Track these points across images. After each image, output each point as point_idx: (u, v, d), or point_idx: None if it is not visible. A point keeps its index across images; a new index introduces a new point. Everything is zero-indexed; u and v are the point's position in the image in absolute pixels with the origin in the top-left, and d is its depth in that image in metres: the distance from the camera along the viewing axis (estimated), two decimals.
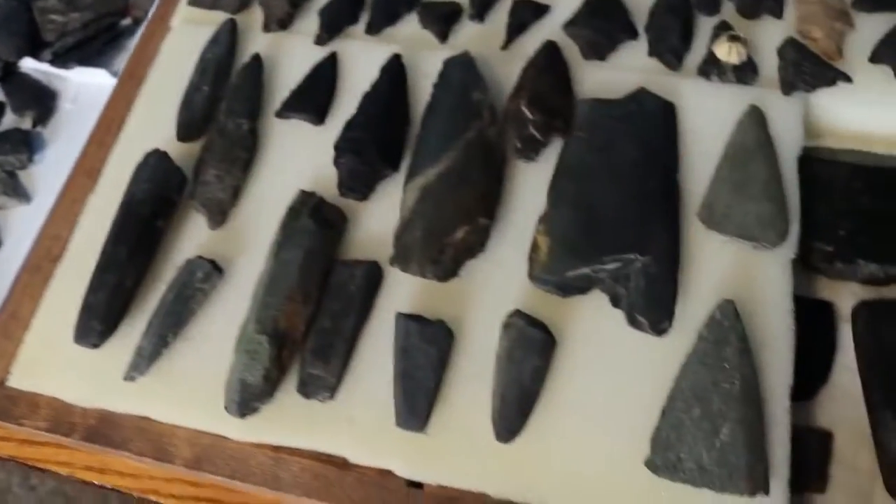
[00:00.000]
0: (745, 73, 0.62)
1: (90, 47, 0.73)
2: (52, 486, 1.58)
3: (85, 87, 0.72)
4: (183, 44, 0.67)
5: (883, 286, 0.60)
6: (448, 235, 0.54)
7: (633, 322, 0.52)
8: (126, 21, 0.75)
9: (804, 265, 0.60)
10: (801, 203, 0.60)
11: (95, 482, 0.59)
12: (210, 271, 0.56)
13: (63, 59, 0.72)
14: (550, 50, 0.62)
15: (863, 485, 0.53)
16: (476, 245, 0.55)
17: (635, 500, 0.49)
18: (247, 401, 0.52)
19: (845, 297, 0.59)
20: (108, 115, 0.65)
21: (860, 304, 0.58)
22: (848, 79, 0.62)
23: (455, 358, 0.53)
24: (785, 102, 0.61)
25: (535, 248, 0.55)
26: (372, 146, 0.59)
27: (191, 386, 0.54)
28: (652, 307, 0.52)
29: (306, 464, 0.52)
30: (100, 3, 0.74)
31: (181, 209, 0.60)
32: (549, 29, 0.65)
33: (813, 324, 0.58)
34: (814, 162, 0.62)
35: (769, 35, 0.64)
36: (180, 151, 0.62)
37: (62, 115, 0.72)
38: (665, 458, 0.48)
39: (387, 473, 0.51)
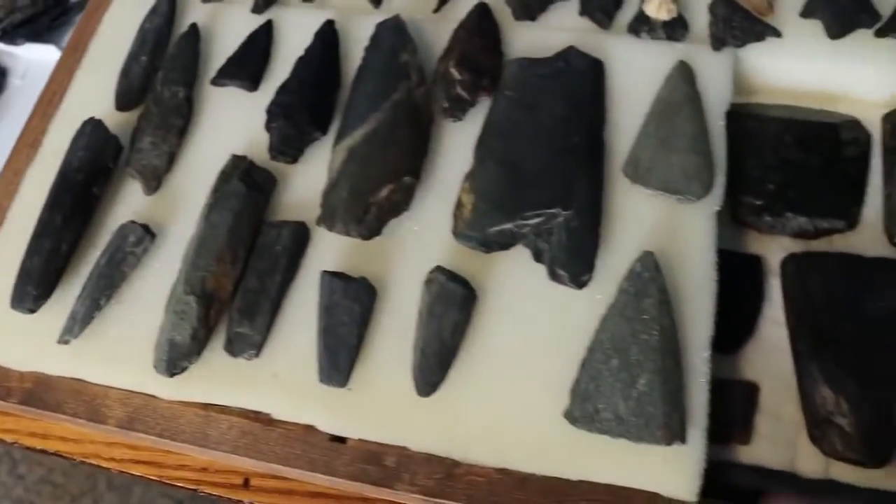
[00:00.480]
0: (675, 29, 0.62)
1: (39, 23, 0.74)
2: (40, 474, 1.60)
3: (34, 63, 0.73)
4: (124, 15, 0.68)
5: (813, 239, 0.60)
6: (373, 194, 0.55)
7: (553, 276, 0.53)
8: None
9: (734, 220, 0.61)
10: (731, 159, 0.60)
11: (38, 447, 0.59)
12: (142, 235, 0.57)
13: (11, 35, 0.74)
14: (481, 11, 0.63)
15: (787, 435, 0.53)
16: (401, 203, 0.56)
17: (555, 452, 0.49)
18: (174, 360, 0.53)
19: (775, 251, 0.60)
20: (51, 87, 0.66)
21: (788, 256, 0.58)
22: (778, 33, 0.62)
23: (378, 315, 0.54)
24: (714, 58, 0.61)
25: (459, 205, 0.56)
26: (302, 110, 0.59)
27: (123, 348, 0.55)
28: (572, 260, 0.52)
29: (234, 421, 0.53)
30: None
31: (117, 176, 0.61)
32: None
33: (742, 278, 0.58)
34: (746, 118, 0.63)
35: None
36: (119, 120, 0.63)
37: (11, 91, 0.73)
38: (583, 409, 0.49)
39: (310, 428, 0.52)
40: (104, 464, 0.60)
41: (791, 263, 0.58)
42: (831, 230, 0.59)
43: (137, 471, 0.59)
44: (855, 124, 0.62)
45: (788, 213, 0.59)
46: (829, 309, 0.55)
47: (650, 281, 0.51)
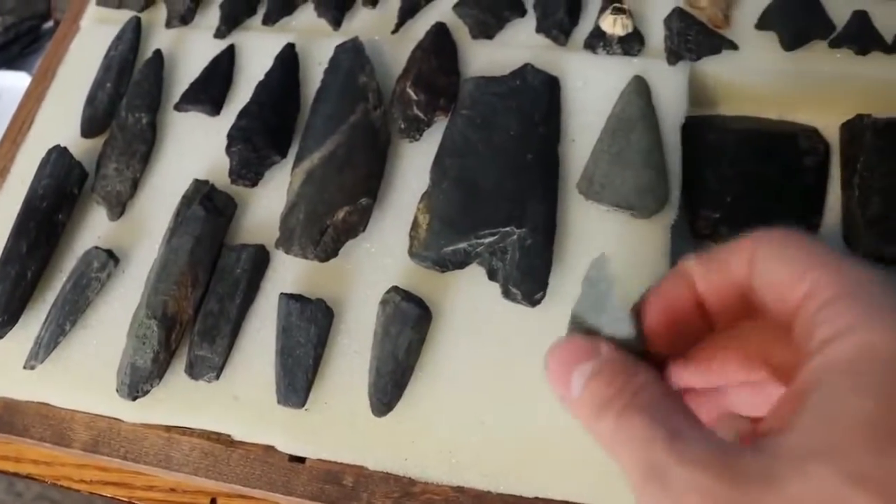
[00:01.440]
0: (631, 44, 0.62)
1: (10, 51, 0.75)
2: (38, 491, 1.61)
3: (6, 90, 0.75)
4: (90, 43, 0.69)
5: None
6: (329, 217, 0.56)
7: (507, 294, 0.53)
8: (48, 24, 0.77)
9: (694, 234, 0.61)
10: (690, 172, 0.60)
11: (10, 471, 0.60)
12: (106, 261, 0.58)
13: None
14: (438, 31, 0.64)
15: None
16: (357, 225, 0.56)
17: (511, 469, 0.50)
18: (136, 384, 0.54)
19: None
20: (20, 114, 0.67)
21: None
22: (734, 46, 0.62)
23: (335, 335, 0.54)
24: (669, 71, 0.61)
25: (415, 225, 0.56)
26: (261, 134, 0.60)
27: (87, 372, 0.56)
28: (526, 279, 0.53)
29: (195, 443, 0.54)
30: (22, 7, 0.76)
31: (82, 202, 0.62)
32: (439, 11, 0.66)
33: None
34: (705, 130, 0.63)
35: (657, 6, 0.64)
36: (85, 147, 0.64)
37: None
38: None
39: (270, 449, 0.53)
40: (75, 486, 0.60)
41: None
42: None
43: (107, 492, 0.59)
44: (813, 134, 0.63)
45: (746, 225, 0.59)
46: None
47: (606, 293, 0.51)
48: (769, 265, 0.27)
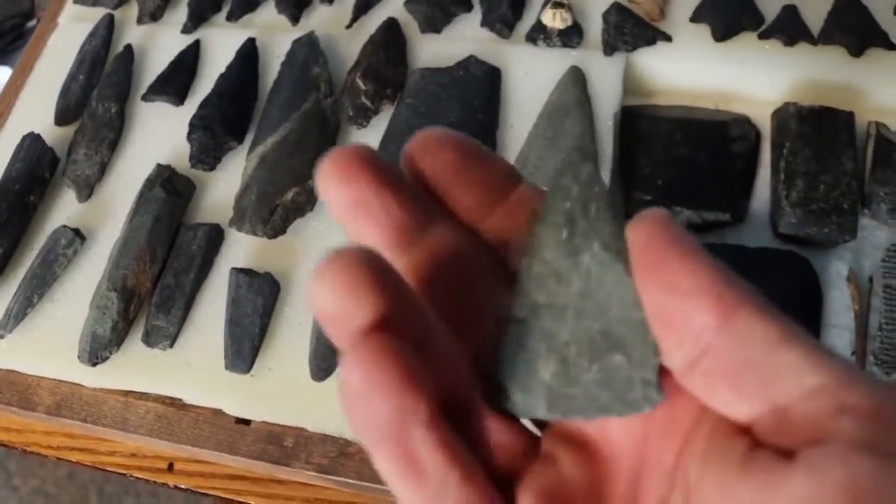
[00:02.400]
0: (570, 37, 0.66)
1: None
2: (34, 485, 1.66)
3: None
4: (66, 38, 0.73)
5: (705, 232, 0.63)
6: (279, 197, 0.59)
7: None
8: (32, 22, 0.82)
9: (628, 216, 0.64)
10: (625, 158, 0.64)
11: None
12: (72, 238, 0.62)
13: None
14: (389, 26, 0.67)
15: None
16: (305, 205, 0.60)
17: None
18: (96, 350, 0.57)
19: None
20: (0, 104, 0.72)
21: None
22: (668, 38, 0.66)
23: (280, 306, 0.58)
24: (606, 62, 0.65)
25: None
26: (220, 122, 0.64)
27: (52, 341, 0.60)
28: None
29: (150, 406, 0.58)
30: (6, 6, 0.81)
31: (54, 185, 0.66)
32: (391, 7, 0.70)
33: None
34: (641, 118, 0.66)
35: (597, 2, 0.68)
36: (58, 135, 0.68)
37: None
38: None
39: (219, 412, 0.57)
40: (43, 451, 0.64)
41: None
42: (718, 223, 0.62)
43: (73, 457, 0.63)
44: (744, 122, 0.66)
45: (675, 207, 0.62)
46: None
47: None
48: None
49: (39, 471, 1.59)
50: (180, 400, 0.57)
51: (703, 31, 0.66)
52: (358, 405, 0.18)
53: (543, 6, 0.67)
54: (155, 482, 0.62)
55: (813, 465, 0.17)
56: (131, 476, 0.62)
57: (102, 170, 0.65)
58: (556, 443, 0.22)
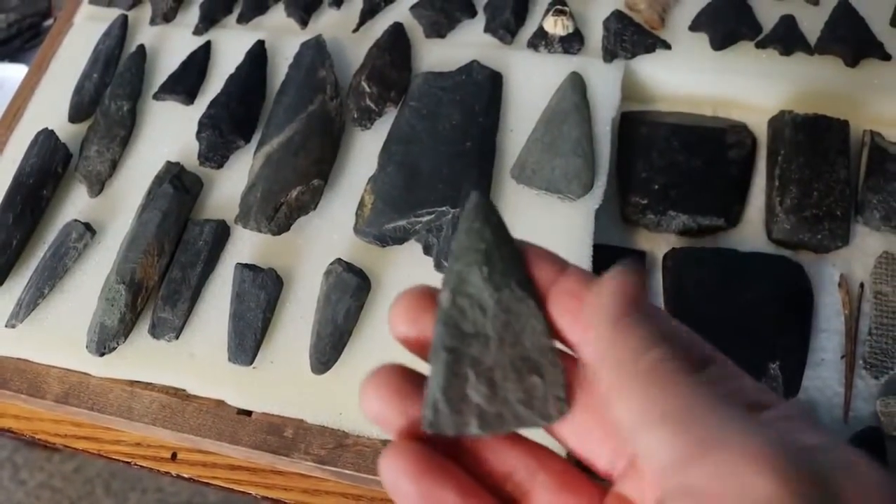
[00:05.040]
0: (571, 43, 0.67)
1: (12, 45, 0.82)
2: (41, 479, 1.68)
3: (7, 81, 0.81)
4: (81, 37, 0.75)
5: (698, 236, 0.64)
6: (283, 195, 0.61)
7: (438, 267, 0.58)
8: (48, 21, 0.84)
9: (623, 219, 0.66)
10: (623, 162, 0.65)
11: None
12: (83, 232, 0.64)
13: None
14: (395, 30, 0.69)
15: None
16: (309, 203, 0.62)
17: None
18: (104, 341, 0.59)
19: (663, 247, 0.64)
20: (16, 102, 0.74)
21: (669, 251, 0.63)
22: (667, 45, 0.67)
23: (283, 302, 0.60)
24: (605, 68, 0.66)
25: (361, 204, 0.62)
26: (228, 121, 0.66)
27: (62, 331, 0.62)
28: None
29: (155, 396, 0.59)
30: (25, 6, 0.83)
31: (66, 180, 0.68)
32: (397, 12, 0.71)
33: None
34: (639, 124, 0.68)
35: (599, 9, 0.69)
36: (71, 131, 0.70)
37: None
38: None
39: (221, 403, 0.58)
40: (51, 439, 0.66)
41: (671, 257, 0.63)
42: (713, 227, 0.64)
43: (79, 445, 0.65)
44: (741, 128, 0.67)
45: (671, 212, 0.64)
46: (701, 298, 0.60)
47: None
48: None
49: (46, 465, 1.62)
50: (184, 390, 0.59)
51: (702, 39, 0.68)
52: (390, 489, 0.24)
53: (545, 13, 0.69)
54: (158, 471, 0.64)
55: None
56: (135, 464, 0.64)
57: (113, 166, 0.67)
58: None
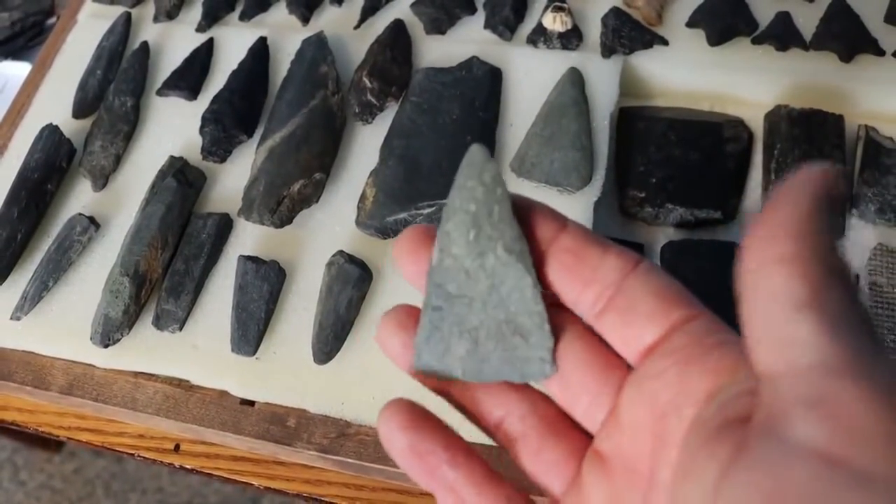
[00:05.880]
0: (570, 39, 0.68)
1: (16, 43, 0.83)
2: (41, 480, 1.69)
3: (11, 79, 0.82)
4: (85, 35, 0.76)
5: (695, 229, 0.65)
6: (286, 188, 0.62)
7: None
8: (52, 20, 0.85)
9: (622, 212, 0.66)
10: (621, 156, 0.66)
11: None
12: (87, 225, 0.64)
13: None
14: (396, 27, 0.70)
15: None
16: (311, 197, 0.63)
17: (435, 412, 0.55)
18: (108, 332, 0.60)
19: (661, 240, 0.65)
20: (20, 98, 0.75)
21: (667, 243, 0.64)
22: (664, 41, 0.68)
23: (285, 293, 0.60)
24: (603, 64, 0.67)
25: (363, 197, 0.62)
26: (231, 116, 0.67)
27: (66, 323, 0.62)
28: None
29: (159, 387, 0.60)
30: (28, 4, 0.84)
31: (70, 175, 0.69)
32: (398, 9, 0.72)
33: None
34: (638, 119, 0.69)
35: (597, 5, 0.70)
36: (75, 127, 0.71)
37: None
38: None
39: (224, 393, 0.59)
40: (55, 432, 0.66)
41: (668, 250, 0.63)
42: (710, 220, 0.65)
43: (83, 437, 0.66)
44: (738, 123, 0.68)
45: (668, 205, 0.64)
46: (699, 291, 0.61)
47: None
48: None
49: (47, 466, 1.62)
50: (188, 381, 0.60)
51: (699, 35, 0.68)
52: (384, 442, 0.26)
53: (544, 9, 0.70)
54: (162, 462, 0.64)
55: (762, 459, 0.18)
56: (139, 456, 0.65)
57: (117, 161, 0.68)
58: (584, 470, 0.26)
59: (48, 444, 1.48)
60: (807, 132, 0.64)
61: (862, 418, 0.17)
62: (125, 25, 0.75)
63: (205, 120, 0.67)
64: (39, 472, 1.63)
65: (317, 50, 0.69)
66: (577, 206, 0.61)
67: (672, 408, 0.23)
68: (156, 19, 0.75)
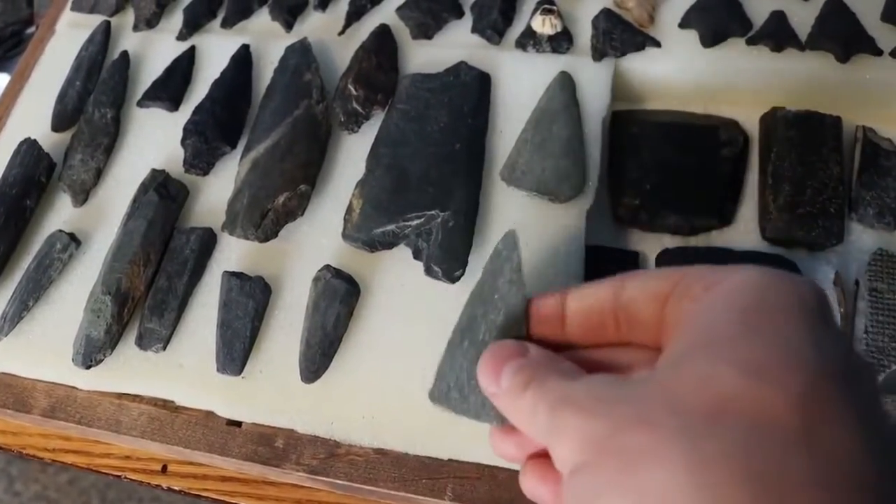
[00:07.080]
0: (560, 43, 0.66)
1: None
2: (36, 490, 1.67)
3: None
4: (64, 45, 0.74)
5: (691, 236, 0.64)
6: (270, 201, 0.60)
7: (429, 271, 0.57)
8: (31, 29, 0.83)
9: (616, 220, 0.65)
10: (614, 162, 0.64)
11: None
12: (68, 242, 0.63)
13: None
14: (381, 32, 0.68)
15: None
16: (296, 209, 0.61)
17: (426, 433, 0.54)
18: (90, 353, 0.58)
19: (656, 247, 0.64)
20: None
21: (662, 251, 0.62)
22: (657, 43, 0.66)
23: (271, 310, 0.59)
24: (594, 67, 0.65)
25: (349, 209, 0.61)
26: (213, 127, 0.65)
27: (48, 344, 0.60)
28: (447, 257, 0.57)
29: (143, 408, 0.58)
30: (6, 14, 0.82)
31: (50, 190, 0.67)
32: (383, 14, 0.71)
33: (619, 270, 0.62)
34: (631, 123, 0.67)
35: (587, 8, 0.69)
36: (54, 140, 0.69)
37: None
38: (439, 388, 0.53)
39: (210, 414, 0.57)
40: (40, 454, 0.65)
41: (663, 257, 0.62)
42: (706, 226, 0.63)
43: (68, 459, 0.64)
44: (733, 126, 0.66)
45: (663, 211, 0.63)
46: None
47: (506, 259, 0.52)
48: (638, 281, 0.34)
49: (41, 476, 1.60)
50: (173, 402, 0.58)
51: (692, 36, 0.67)
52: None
53: (533, 12, 0.68)
54: (149, 484, 0.63)
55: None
56: (126, 478, 0.63)
57: (98, 175, 0.66)
58: None
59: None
60: (804, 135, 0.63)
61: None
62: (104, 34, 0.73)
63: (186, 132, 0.65)
64: (34, 483, 1.61)
65: (300, 57, 0.67)
66: (570, 214, 0.59)
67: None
68: (136, 28, 0.74)
